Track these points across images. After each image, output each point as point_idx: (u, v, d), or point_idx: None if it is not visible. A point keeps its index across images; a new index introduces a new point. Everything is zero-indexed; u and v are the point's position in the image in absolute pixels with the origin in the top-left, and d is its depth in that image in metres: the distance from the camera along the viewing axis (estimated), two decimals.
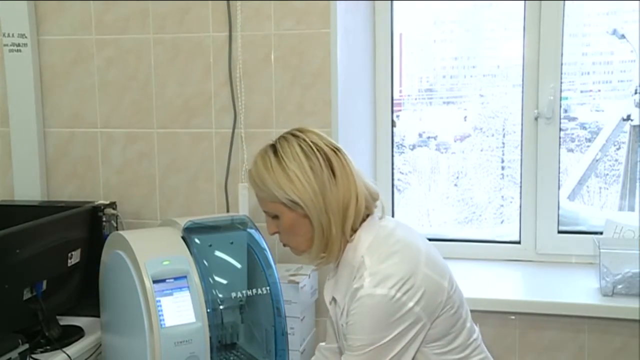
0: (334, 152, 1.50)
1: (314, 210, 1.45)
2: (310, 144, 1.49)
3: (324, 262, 1.53)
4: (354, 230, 1.49)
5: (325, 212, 1.45)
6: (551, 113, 2.35)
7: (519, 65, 2.42)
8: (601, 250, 2.11)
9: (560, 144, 2.39)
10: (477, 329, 1.56)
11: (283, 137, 1.52)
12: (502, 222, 2.65)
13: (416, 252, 1.46)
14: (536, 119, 2.38)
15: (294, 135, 1.52)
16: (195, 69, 2.28)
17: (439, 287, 1.44)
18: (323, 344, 1.74)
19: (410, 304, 1.39)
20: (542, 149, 2.39)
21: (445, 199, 2.72)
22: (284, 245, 1.57)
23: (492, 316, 2.13)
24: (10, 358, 1.64)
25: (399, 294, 1.38)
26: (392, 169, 2.60)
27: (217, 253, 1.88)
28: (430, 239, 2.44)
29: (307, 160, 1.47)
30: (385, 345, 1.39)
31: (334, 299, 1.55)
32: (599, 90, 2.49)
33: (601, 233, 2.29)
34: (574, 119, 2.53)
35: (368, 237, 1.48)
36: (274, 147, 1.51)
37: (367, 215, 1.52)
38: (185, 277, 1.71)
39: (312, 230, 1.48)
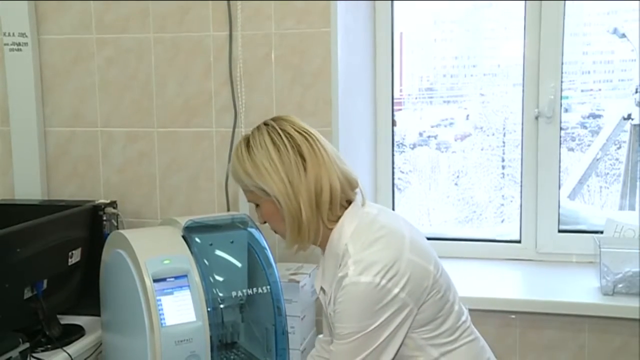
0: (306, 138, 1.50)
1: (282, 198, 1.47)
2: (280, 131, 1.50)
3: (300, 249, 1.54)
4: (336, 217, 1.50)
5: (295, 200, 1.46)
6: (552, 112, 2.35)
7: (519, 65, 2.42)
8: (602, 250, 2.11)
9: (560, 143, 2.39)
10: (465, 311, 1.56)
11: (257, 127, 1.55)
12: (502, 221, 2.65)
13: (400, 237, 1.46)
14: (537, 118, 2.38)
15: (265, 124, 1.54)
16: (195, 69, 2.28)
17: (425, 272, 1.44)
18: (321, 336, 1.75)
19: (396, 290, 1.39)
20: (543, 148, 2.39)
21: (446, 198, 2.73)
22: (276, 232, 1.58)
23: (492, 315, 2.13)
24: (11, 357, 1.64)
25: (383, 281, 1.38)
26: (393, 168, 2.60)
27: (218, 252, 1.88)
28: (430, 238, 2.46)
29: (275, 149, 1.48)
30: (372, 332, 1.39)
31: (322, 288, 1.55)
32: (600, 90, 2.49)
33: (602, 232, 2.29)
34: (574, 118, 2.53)
35: (351, 224, 1.49)
36: (247, 139, 1.54)
37: (349, 203, 1.52)
38: (185, 276, 1.71)
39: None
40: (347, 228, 1.48)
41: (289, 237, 1.50)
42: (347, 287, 1.40)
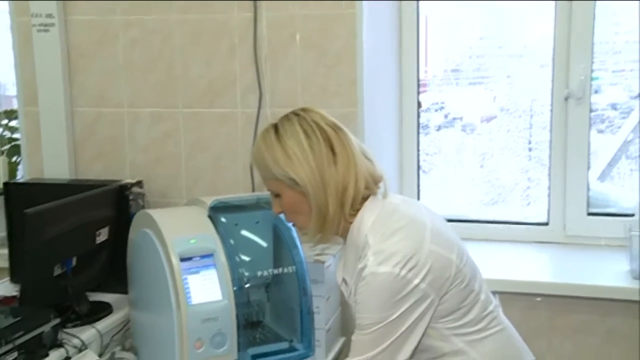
0: (335, 132, 1.49)
1: (312, 189, 1.45)
2: (311, 122, 1.48)
3: (321, 241, 1.54)
4: (356, 210, 1.49)
5: (323, 191, 1.45)
6: (582, 93, 2.32)
7: (548, 45, 2.38)
8: (632, 233, 2.08)
9: (590, 125, 2.35)
10: (494, 300, 1.54)
11: (285, 116, 1.53)
12: (528, 204, 2.62)
13: (421, 227, 1.45)
14: (566, 99, 2.35)
15: (295, 114, 1.52)
16: (220, 50, 2.28)
17: (447, 262, 1.43)
18: None
19: (416, 281, 1.38)
20: (572, 129, 2.36)
21: (471, 180, 2.70)
22: (293, 225, 1.58)
23: (518, 298, 2.11)
24: (43, 332, 1.67)
25: (403, 272, 1.37)
26: (418, 150, 2.58)
27: (243, 232, 1.88)
28: (455, 220, 2.49)
29: (307, 138, 1.47)
30: (393, 323, 1.38)
31: (344, 280, 1.55)
32: (632, 70, 2.44)
33: (632, 215, 2.26)
34: (604, 99, 2.49)
35: (371, 216, 1.48)
36: (275, 126, 1.51)
37: (368, 195, 1.51)
38: (211, 255, 1.72)
39: (310, 208, 1.48)
40: (367, 220, 1.47)
41: (312, 228, 1.50)
42: (366, 278, 1.39)
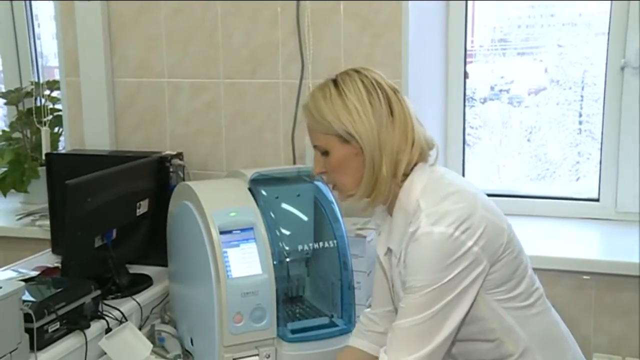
0: (395, 93, 1.46)
1: (368, 145, 1.41)
2: (372, 80, 1.44)
3: (369, 206, 1.49)
4: (405, 175, 1.45)
5: (378, 150, 1.41)
6: (639, 62, 2.22)
7: (603, 13, 2.28)
8: None
9: None
10: (537, 280, 1.50)
11: (344, 72, 1.48)
12: (577, 180, 2.54)
13: (472, 194, 1.42)
14: (622, 69, 2.25)
15: (356, 71, 1.48)
16: (262, 18, 2.24)
17: (499, 229, 1.39)
18: (368, 310, 1.69)
19: (470, 243, 1.33)
20: (627, 101, 2.27)
21: (517, 154, 2.63)
22: (332, 187, 1.52)
23: (566, 276, 2.05)
24: (84, 302, 1.68)
25: (457, 232, 1.33)
26: (464, 122, 2.52)
27: (284, 205, 1.86)
28: (501, 195, 2.42)
29: (368, 94, 1.42)
30: (444, 286, 1.33)
31: (389, 249, 1.50)
32: None
33: None
34: None
35: (421, 181, 1.43)
36: (334, 81, 1.47)
37: (417, 162, 1.47)
38: (251, 228, 1.70)
39: (362, 168, 1.43)
40: (417, 185, 1.43)
41: (362, 188, 1.45)
42: (419, 239, 1.35)
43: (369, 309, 1.69)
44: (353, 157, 1.43)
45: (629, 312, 2.06)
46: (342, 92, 1.43)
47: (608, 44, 2.29)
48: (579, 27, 2.44)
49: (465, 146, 2.54)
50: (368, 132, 1.40)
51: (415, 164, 1.46)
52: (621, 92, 2.28)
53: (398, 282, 1.47)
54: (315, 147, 1.50)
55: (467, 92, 2.50)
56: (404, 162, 1.43)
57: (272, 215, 1.77)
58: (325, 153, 1.47)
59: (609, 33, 2.28)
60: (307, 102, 1.49)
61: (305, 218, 1.90)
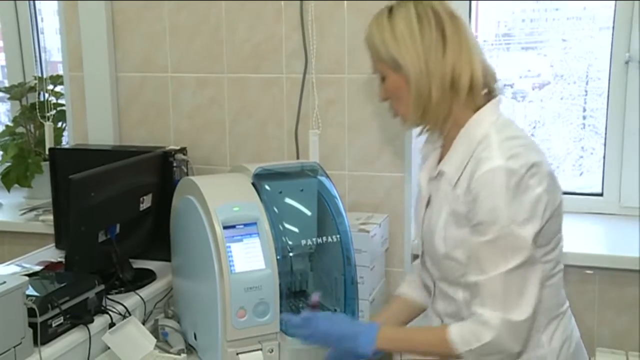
0: (451, 19, 1.42)
1: (413, 73, 1.39)
2: (427, 7, 1.42)
3: (427, 131, 1.50)
4: (477, 107, 1.43)
5: (426, 78, 1.39)
6: None
7: (608, 7, 2.27)
8: None
9: None
10: None
11: None
12: (581, 174, 2.53)
13: (538, 147, 1.41)
14: (627, 63, 2.25)
15: None
16: (265, 13, 2.23)
17: (558, 186, 1.39)
18: (417, 262, 1.67)
19: (539, 190, 1.32)
20: (632, 95, 2.26)
21: None
22: (394, 115, 1.51)
23: (570, 271, 2.02)
24: (88, 297, 1.68)
25: (528, 175, 1.31)
26: None
27: (287, 200, 1.85)
28: None
29: (418, 22, 1.40)
30: (517, 232, 1.30)
31: (440, 172, 1.46)
32: None
33: None
34: None
35: (493, 115, 1.42)
36: (390, 7, 1.46)
37: (489, 96, 1.45)
38: (255, 223, 1.70)
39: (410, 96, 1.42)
40: (489, 118, 1.42)
41: (411, 116, 1.44)
42: (494, 171, 1.32)
43: (417, 261, 1.69)
44: (403, 85, 1.42)
45: (632, 306, 2.06)
46: (392, 19, 1.42)
47: (612, 39, 2.28)
48: (584, 22, 2.43)
49: None
50: (414, 60, 1.39)
51: (488, 99, 1.44)
52: (625, 87, 2.27)
53: (446, 207, 1.43)
54: (374, 73, 1.50)
55: None
56: (465, 88, 1.40)
57: (276, 210, 1.76)
58: (383, 80, 1.47)
59: (613, 27, 2.27)
60: (366, 31, 1.48)
61: (308, 213, 1.89)
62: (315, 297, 1.60)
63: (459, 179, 1.40)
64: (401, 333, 1.50)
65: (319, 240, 1.92)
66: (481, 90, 1.43)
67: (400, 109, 1.47)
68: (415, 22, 1.40)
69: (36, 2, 2.98)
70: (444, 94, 1.40)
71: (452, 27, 1.41)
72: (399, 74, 1.42)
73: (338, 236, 1.85)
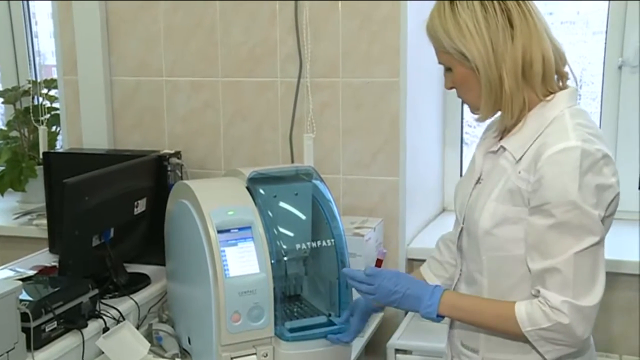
0: (518, 2, 1.34)
1: (482, 65, 1.33)
2: None
3: (501, 123, 1.40)
4: (550, 93, 1.37)
5: (495, 67, 1.33)
6: (637, 61, 2.23)
7: (602, 11, 2.28)
8: None
9: None
10: None
11: None
12: None
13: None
14: (620, 67, 2.26)
15: None
16: (260, 16, 2.23)
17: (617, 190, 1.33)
18: (446, 234, 1.65)
19: (612, 180, 1.29)
20: (625, 99, 2.27)
21: None
22: (463, 102, 1.47)
23: None
24: (82, 302, 1.67)
25: (603, 161, 1.27)
26: (462, 121, 2.51)
27: (282, 204, 1.85)
28: None
29: (483, 10, 1.33)
30: (588, 211, 1.24)
31: (502, 147, 1.39)
32: None
33: None
34: None
35: (569, 102, 1.36)
36: None
37: (561, 82, 1.39)
38: (249, 227, 1.69)
39: (481, 86, 1.36)
40: (564, 103, 1.35)
41: (483, 107, 1.38)
42: (568, 150, 1.26)
43: (445, 232, 1.66)
44: (473, 75, 1.36)
45: (627, 310, 2.06)
46: (455, 8, 1.36)
47: (606, 43, 2.29)
48: (577, 26, 2.43)
49: (463, 144, 2.53)
50: (481, 51, 1.33)
51: (561, 88, 1.38)
52: (619, 91, 2.28)
53: (501, 182, 1.36)
54: (440, 63, 1.45)
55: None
56: (538, 76, 1.34)
57: (270, 214, 1.76)
58: (449, 70, 1.41)
59: (606, 32, 2.28)
60: (427, 20, 1.43)
61: (303, 217, 1.89)
62: (381, 253, 1.55)
63: (522, 155, 1.34)
64: (465, 301, 1.41)
65: (314, 245, 1.91)
66: (554, 77, 1.37)
67: (470, 99, 1.41)
68: (480, 10, 1.33)
69: (30, 5, 2.97)
70: (517, 84, 1.34)
71: (518, 11, 1.33)
72: (465, 66, 1.36)
73: (332, 240, 1.85)
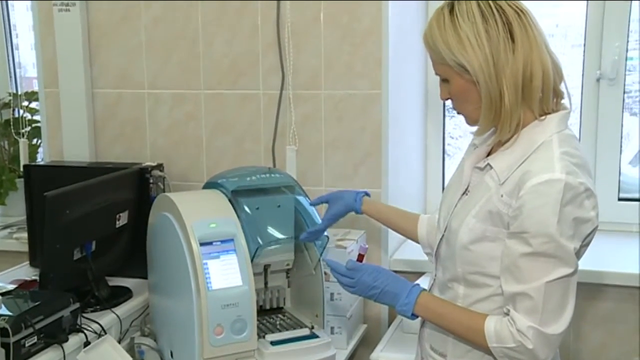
0: (519, 15, 1.33)
1: (482, 78, 1.32)
2: (491, 3, 1.33)
3: (496, 138, 1.39)
4: (545, 113, 1.36)
5: (496, 81, 1.31)
6: (615, 74, 2.25)
7: (580, 25, 2.30)
8: None
9: (623, 107, 2.28)
10: None
11: None
12: None
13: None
14: (598, 80, 2.28)
15: None
16: (242, 28, 2.24)
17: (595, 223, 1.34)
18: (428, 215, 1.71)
19: (592, 214, 1.30)
20: (604, 111, 2.29)
21: None
22: (458, 113, 1.45)
23: None
24: (63, 316, 1.66)
25: (584, 194, 1.28)
26: (444, 132, 2.53)
27: (264, 216, 1.85)
28: None
29: (483, 21, 1.31)
30: (564, 244, 1.26)
31: (488, 165, 1.40)
32: None
33: None
34: (637, 80, 2.40)
35: (559, 126, 1.36)
36: (451, 5, 1.36)
37: (556, 100, 1.39)
38: (232, 240, 1.70)
39: (480, 98, 1.35)
40: (555, 127, 1.35)
41: (482, 121, 1.36)
42: (552, 182, 1.26)
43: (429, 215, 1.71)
44: (472, 88, 1.35)
45: (609, 320, 2.08)
46: (455, 19, 1.34)
47: (584, 56, 2.31)
48: (556, 39, 2.46)
49: (445, 156, 2.55)
50: (482, 63, 1.31)
51: (556, 108, 1.38)
52: (597, 103, 2.30)
53: (483, 200, 1.37)
54: (436, 74, 1.43)
55: (447, 103, 2.51)
56: (537, 91, 1.33)
57: (252, 226, 1.77)
58: (446, 81, 1.40)
59: (584, 45, 2.31)
60: (425, 31, 1.41)
61: (285, 229, 1.90)
62: (362, 248, 1.57)
63: (507, 178, 1.34)
64: (440, 306, 1.42)
65: (296, 257, 1.93)
66: (551, 93, 1.36)
67: (467, 112, 1.40)
68: (480, 21, 1.32)
69: (10, 17, 2.95)
70: (517, 98, 1.32)
71: (519, 23, 1.32)
72: (465, 78, 1.35)
73: (315, 252, 1.86)
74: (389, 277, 1.47)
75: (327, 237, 1.85)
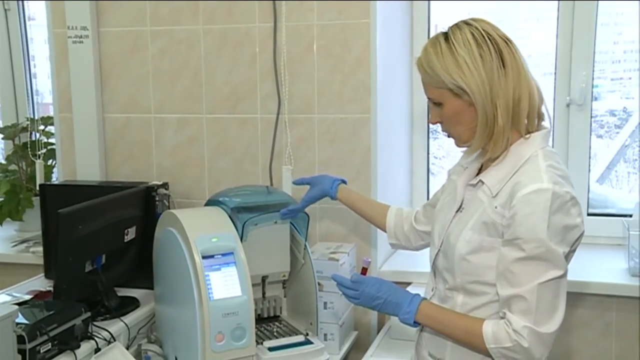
0: (507, 44, 1.36)
1: (480, 98, 1.33)
2: (482, 32, 1.35)
3: (486, 156, 1.40)
4: (529, 133, 1.38)
5: (490, 102, 1.33)
6: (583, 100, 2.27)
7: (551, 55, 2.33)
8: (630, 232, 2.03)
9: (591, 130, 2.30)
10: None
11: (455, 25, 1.39)
12: None
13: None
14: (568, 105, 2.30)
15: (466, 23, 1.38)
16: (242, 58, 2.25)
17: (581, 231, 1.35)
18: (418, 210, 1.74)
19: (578, 220, 1.31)
20: (573, 134, 2.31)
21: None
22: (448, 135, 1.45)
23: None
24: (75, 324, 1.66)
25: (570, 203, 1.29)
26: (428, 153, 2.54)
27: (262, 231, 1.86)
28: None
29: (478, 47, 1.34)
30: (554, 248, 1.28)
31: (480, 182, 1.40)
32: (630, 78, 2.38)
33: (631, 216, 2.20)
34: (603, 106, 2.42)
35: (542, 143, 1.38)
36: (445, 34, 1.38)
37: (539, 120, 1.41)
38: (232, 253, 1.70)
39: (475, 119, 1.35)
40: (539, 143, 1.37)
41: (477, 140, 1.37)
42: (540, 192, 1.28)
43: (419, 210, 1.73)
44: (466, 109, 1.36)
45: (580, 326, 2.08)
46: (452, 46, 1.35)
47: (555, 83, 2.33)
48: (529, 67, 2.46)
49: (430, 175, 2.56)
50: (479, 85, 1.33)
51: (537, 129, 1.40)
52: (567, 128, 2.32)
53: (478, 213, 1.38)
54: (429, 98, 1.43)
55: (431, 126, 2.53)
56: (525, 112, 1.36)
57: (251, 241, 1.77)
58: (439, 104, 1.40)
59: (555, 73, 2.33)
60: (420, 57, 1.41)
61: (282, 243, 1.90)
62: (365, 262, 1.58)
63: (499, 191, 1.35)
64: (440, 313, 1.42)
65: (292, 269, 1.93)
66: (536, 114, 1.39)
67: (458, 133, 1.41)
68: (476, 48, 1.34)
69: (30, 48, 2.97)
70: (508, 118, 1.34)
71: (508, 52, 1.35)
72: (461, 99, 1.36)
73: (310, 264, 1.87)
74: (391, 288, 1.47)
75: (307, 215, 1.88)
